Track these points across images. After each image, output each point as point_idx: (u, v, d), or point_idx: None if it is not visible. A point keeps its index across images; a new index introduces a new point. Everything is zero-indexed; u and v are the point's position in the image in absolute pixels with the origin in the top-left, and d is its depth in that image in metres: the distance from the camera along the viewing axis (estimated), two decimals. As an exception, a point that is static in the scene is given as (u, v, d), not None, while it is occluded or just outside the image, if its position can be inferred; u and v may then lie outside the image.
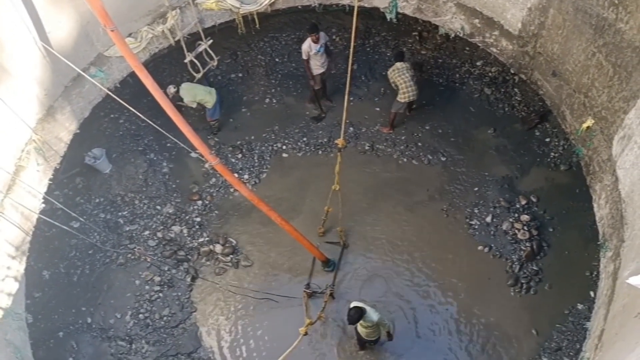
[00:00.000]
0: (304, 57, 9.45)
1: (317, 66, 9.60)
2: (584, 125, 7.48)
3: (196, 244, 8.94)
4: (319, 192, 9.11)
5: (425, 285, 8.57)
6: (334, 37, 11.06)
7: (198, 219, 9.20)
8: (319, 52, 9.37)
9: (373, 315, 6.74)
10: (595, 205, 7.57)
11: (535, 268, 8.47)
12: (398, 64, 9.36)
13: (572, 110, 7.95)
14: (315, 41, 9.20)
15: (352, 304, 6.78)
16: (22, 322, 6.84)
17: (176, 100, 9.33)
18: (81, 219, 7.68)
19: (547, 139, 9.59)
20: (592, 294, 8.01)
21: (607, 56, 6.85)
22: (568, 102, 8.01)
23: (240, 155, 9.84)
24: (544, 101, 8.95)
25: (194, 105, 9.62)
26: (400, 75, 9.28)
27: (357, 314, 6.55)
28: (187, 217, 9.20)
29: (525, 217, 8.81)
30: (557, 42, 7.79)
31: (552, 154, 9.44)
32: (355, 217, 9.12)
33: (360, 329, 7.08)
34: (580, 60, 7.41)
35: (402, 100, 9.42)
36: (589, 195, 8.10)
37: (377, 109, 10.34)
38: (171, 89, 9.36)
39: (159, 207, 9.25)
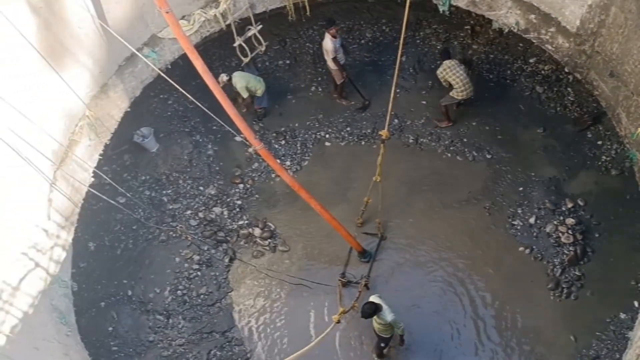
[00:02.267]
0: (332, 55, 9.41)
1: (341, 59, 9.69)
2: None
3: (236, 226, 9.10)
4: (360, 183, 9.10)
5: (461, 283, 8.45)
6: (383, 27, 10.97)
7: (239, 202, 9.34)
8: (339, 45, 9.46)
9: (388, 314, 6.72)
10: (646, 212, 7.29)
11: (577, 273, 8.23)
12: (447, 62, 9.15)
13: (629, 113, 7.64)
14: (335, 35, 9.25)
15: (371, 299, 6.78)
16: (68, 289, 7.14)
17: (228, 90, 9.45)
18: (128, 194, 7.93)
19: (599, 142, 9.25)
20: (636, 303, 7.74)
21: (670, 58, 6.55)
22: (625, 104, 7.70)
23: (283, 142, 9.92)
24: (598, 102, 8.64)
25: (246, 95, 9.71)
26: (454, 72, 9.06)
27: (371, 309, 6.55)
28: (228, 200, 9.36)
29: (570, 221, 8.54)
30: (617, 41, 7.48)
31: (604, 157, 9.10)
32: (395, 210, 9.06)
33: (374, 323, 7.06)
34: (641, 61, 7.12)
35: (459, 97, 9.25)
36: (639, 203, 7.77)
37: (424, 102, 10.21)
38: (224, 78, 9.49)
39: (201, 188, 9.44)
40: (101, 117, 7.82)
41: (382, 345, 7.51)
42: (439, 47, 10.66)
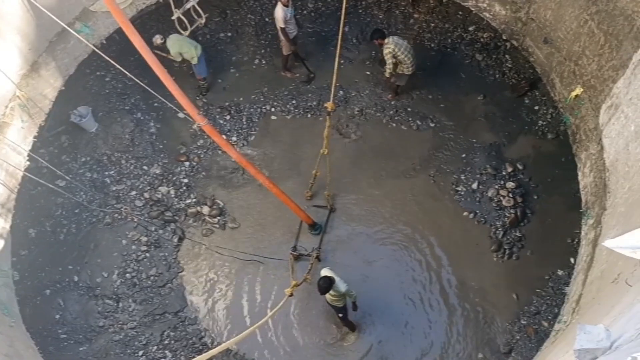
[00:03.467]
0: (282, 25, 9.16)
1: (292, 30, 9.45)
2: (573, 94, 7.52)
3: (183, 205, 8.95)
4: (308, 156, 9.11)
5: (409, 250, 8.69)
6: (326, -3, 10.85)
7: (185, 180, 9.18)
8: (292, 15, 9.22)
9: (341, 285, 6.87)
10: (579, 173, 7.68)
11: (518, 234, 8.61)
12: (392, 39, 8.89)
13: (562, 79, 7.96)
14: (286, 4, 8.98)
15: (322, 273, 6.88)
16: (8, 279, 6.88)
17: (161, 51, 9.14)
18: (67, 177, 7.63)
19: (536, 107, 9.59)
20: (572, 260, 8.19)
21: (599, 24, 6.82)
22: (558, 70, 8.01)
23: (228, 117, 9.75)
24: (534, 69, 8.95)
25: (179, 59, 9.41)
26: (403, 49, 8.87)
27: (327, 284, 6.66)
28: (174, 178, 9.17)
29: (510, 185, 8.89)
30: (550, 8, 7.73)
31: (540, 122, 9.45)
32: (343, 181, 9.15)
33: (327, 295, 7.19)
34: (573, 28, 7.38)
35: (409, 72, 9.22)
36: (574, 164, 8.17)
37: (368, 72, 10.24)
38: (158, 39, 9.17)
39: (145, 168, 9.20)
40: (33, 97, 7.46)
41: (341, 315, 7.66)
42: (380, 17, 10.67)
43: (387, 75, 9.30)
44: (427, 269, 8.55)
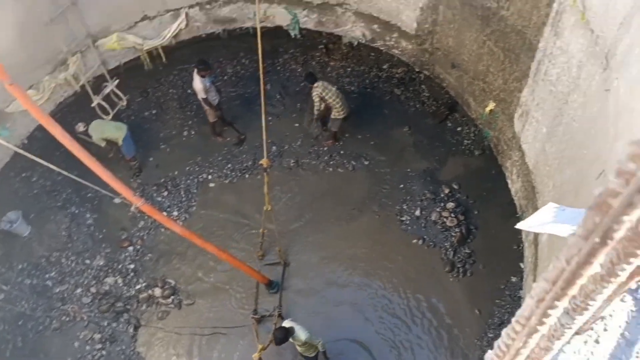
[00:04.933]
0: (203, 95, 9.26)
1: (214, 97, 9.60)
2: (487, 109, 7.98)
3: (134, 292, 8.66)
4: (252, 215, 9.12)
5: (369, 287, 8.73)
6: (242, 60, 11.15)
7: (132, 266, 8.92)
8: (210, 84, 9.37)
9: (302, 334, 6.75)
10: (509, 181, 8.06)
11: (467, 251, 8.85)
12: (320, 84, 9.28)
13: (475, 97, 8.45)
14: (204, 75, 9.07)
15: (284, 324, 6.79)
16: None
17: (86, 138, 9.01)
18: (4, 287, 7.24)
19: (459, 128, 10.08)
20: (521, 265, 8.48)
21: (496, 42, 7.36)
22: (470, 90, 8.51)
23: (166, 193, 9.66)
24: (449, 93, 9.46)
25: (103, 144, 9.31)
26: (331, 93, 9.23)
27: (282, 334, 6.53)
28: (119, 266, 8.90)
29: (450, 205, 9.20)
30: (450, 36, 8.28)
31: (465, 141, 9.93)
32: (292, 233, 9.17)
33: (296, 347, 7.06)
34: (474, 50, 7.91)
35: (342, 116, 9.50)
36: (503, 175, 8.57)
37: (296, 124, 10.49)
38: (80, 127, 9.08)
39: (88, 261, 8.89)
40: (-44, 211, 7.13)
41: None
42: (299, 70, 11.05)
43: (315, 117, 9.61)
44: (389, 301, 8.59)
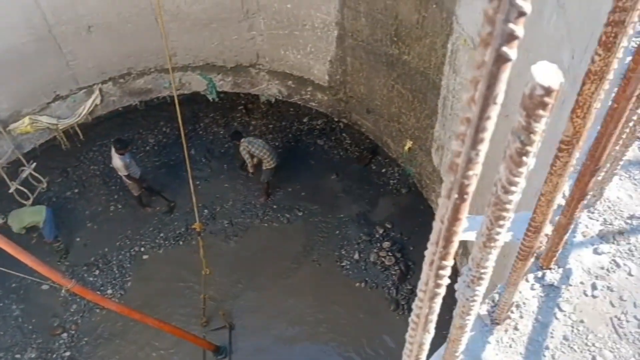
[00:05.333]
0: (124, 172, 9.19)
1: (136, 171, 9.57)
2: (405, 148, 8.43)
3: (72, 381, 8.14)
4: (191, 283, 8.92)
5: (320, 337, 8.67)
6: (163, 129, 11.19)
7: (68, 354, 8.40)
8: (130, 159, 9.35)
9: None
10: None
11: (409, 287, 9.05)
12: (245, 140, 9.55)
13: (393, 138, 8.92)
14: (122, 153, 9.03)
15: None
16: None
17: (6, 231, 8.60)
18: None
19: (383, 170, 10.51)
20: (462, 292, 8.74)
21: (403, 85, 7.90)
22: (387, 132, 8.98)
23: (97, 272, 9.30)
24: (369, 138, 9.91)
25: (23, 232, 8.93)
26: (257, 146, 9.49)
27: None
28: (54, 356, 8.36)
29: (386, 244, 9.45)
30: (362, 83, 8.79)
31: (391, 181, 10.34)
32: (234, 295, 9.04)
33: None
34: (385, 94, 8.43)
35: (272, 167, 9.69)
36: (430, 207, 8.96)
37: (226, 185, 10.54)
38: None
39: (18, 356, 8.30)
40: None
41: None
42: (222, 132, 11.21)
43: (250, 170, 9.83)
44: (342, 347, 8.55)
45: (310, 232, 9.81)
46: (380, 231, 9.62)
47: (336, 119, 10.53)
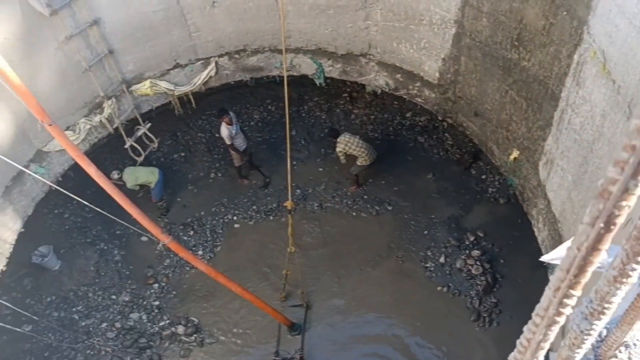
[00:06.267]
0: (228, 142, 9.67)
1: (241, 143, 9.94)
2: (511, 157, 8.05)
3: (157, 329, 8.72)
4: (276, 257, 9.20)
5: (391, 333, 8.63)
6: (269, 107, 11.52)
7: (156, 303, 9.02)
8: (238, 130, 9.73)
9: None
10: (535, 229, 8.01)
11: (494, 300, 8.74)
12: (342, 138, 9.59)
13: (499, 145, 8.55)
14: (230, 123, 9.52)
15: None
16: None
17: (120, 184, 9.34)
18: (35, 317, 7.41)
19: (483, 176, 10.16)
20: (549, 315, 8.29)
21: (518, 92, 7.52)
22: (493, 138, 8.62)
23: (192, 232, 9.84)
24: (473, 141, 9.57)
25: (137, 189, 9.64)
26: (354, 145, 9.52)
27: None
28: (144, 303, 9.00)
29: (476, 252, 9.15)
30: (473, 85, 8.48)
31: (490, 189, 9.97)
32: (315, 276, 9.21)
33: None
34: (497, 99, 8.08)
35: (367, 164, 9.71)
36: (529, 224, 8.54)
37: (320, 169, 10.69)
38: (114, 175, 9.41)
39: (114, 297, 9.03)
40: (-8, 243, 7.40)
41: None
42: (323, 117, 11.35)
43: (342, 162, 9.88)
44: (412, 350, 8.45)
45: (397, 228, 9.73)
46: (471, 238, 9.34)
47: (440, 118, 10.26)
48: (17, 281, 8.88)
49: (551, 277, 1.04)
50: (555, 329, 1.12)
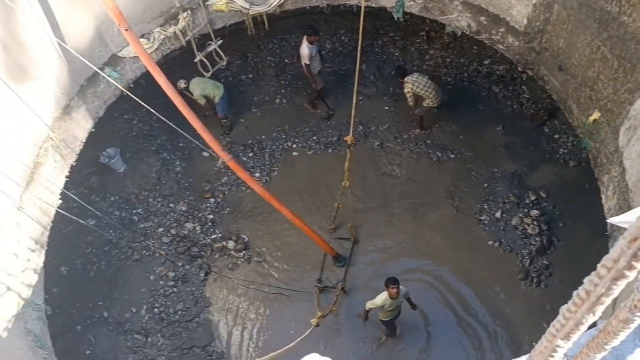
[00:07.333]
0: (307, 61, 9.53)
1: (316, 66, 9.79)
2: (591, 119, 7.55)
3: (209, 241, 9.10)
4: (330, 189, 9.25)
5: (436, 279, 8.64)
6: (342, 37, 11.22)
7: (211, 217, 9.36)
8: (316, 52, 9.57)
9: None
10: (603, 197, 7.61)
11: (545, 262, 8.51)
12: (410, 78, 9.25)
13: (579, 104, 8.01)
14: (312, 42, 9.38)
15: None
16: (42, 312, 7.01)
17: (185, 95, 9.51)
18: (98, 213, 7.88)
19: (556, 136, 9.64)
20: (601, 286, 8.02)
21: (611, 49, 6.92)
22: (575, 96, 8.07)
23: (251, 154, 10.00)
24: (551, 97, 9.01)
25: (203, 101, 9.78)
26: (422, 85, 9.19)
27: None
28: (200, 215, 9.36)
29: (534, 212, 8.85)
30: (562, 37, 7.87)
31: (561, 150, 9.48)
32: (366, 213, 9.23)
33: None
34: (586, 54, 7.49)
35: (433, 105, 9.42)
36: (597, 190, 8.11)
37: (386, 107, 10.45)
38: (181, 84, 9.58)
39: (172, 205, 9.43)
40: (65, 138, 7.77)
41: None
42: (397, 54, 10.96)
43: (410, 104, 9.57)
44: (455, 298, 8.46)
45: (457, 177, 9.50)
46: (532, 197, 9.00)
47: (520, 69, 9.67)
48: (84, 177, 9.39)
49: (629, 226, 0.93)
50: (622, 284, 1.02)
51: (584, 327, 1.19)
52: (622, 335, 1.36)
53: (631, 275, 0.98)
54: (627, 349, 1.98)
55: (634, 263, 0.93)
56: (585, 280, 1.11)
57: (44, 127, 7.21)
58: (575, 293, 1.17)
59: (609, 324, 1.39)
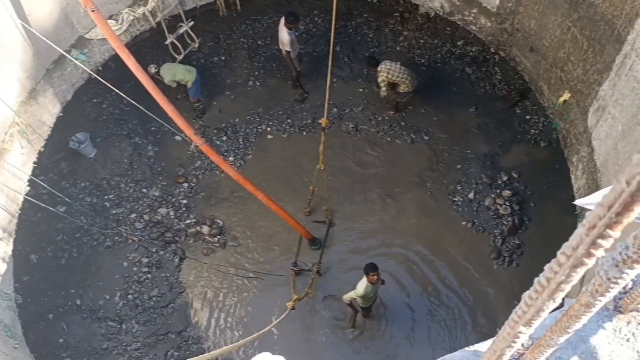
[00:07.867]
0: (289, 48, 9.33)
1: (295, 50, 9.66)
2: (561, 99, 7.67)
3: (183, 226, 9.02)
4: (304, 172, 9.23)
5: (410, 261, 8.74)
6: (315, 19, 11.09)
7: (184, 201, 9.26)
8: (295, 37, 9.44)
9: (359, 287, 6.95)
10: (572, 177, 7.78)
11: (517, 242, 8.68)
12: (383, 66, 9.09)
13: (550, 85, 8.12)
14: (291, 28, 9.22)
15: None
16: (12, 302, 6.92)
17: (156, 79, 9.33)
18: (68, 199, 7.72)
19: (528, 117, 9.75)
20: (571, 264, 8.22)
21: (581, 30, 7.01)
22: (545, 77, 8.18)
23: (225, 138, 9.89)
24: (523, 78, 9.12)
25: (174, 85, 9.60)
26: (396, 73, 9.06)
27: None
28: (173, 200, 9.26)
29: (507, 193, 8.98)
30: (533, 17, 7.93)
31: (533, 130, 9.60)
32: (341, 196, 9.24)
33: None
34: (556, 35, 7.57)
35: (409, 90, 9.34)
36: (567, 170, 8.27)
37: (360, 89, 10.42)
38: (152, 69, 9.37)
39: (144, 190, 9.29)
40: (32, 123, 7.59)
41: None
42: (371, 35, 10.89)
43: (382, 95, 9.46)
44: (429, 279, 8.59)
45: (430, 158, 9.56)
46: (504, 178, 9.13)
47: (493, 50, 9.74)
48: (54, 163, 9.16)
49: (587, 214, 0.93)
50: (581, 271, 1.03)
51: (545, 314, 1.21)
52: (585, 319, 1.38)
53: (590, 262, 0.98)
54: (590, 331, 2.03)
55: (592, 251, 0.94)
56: (546, 267, 1.12)
57: (9, 112, 7.02)
58: (536, 280, 1.18)
59: (571, 308, 1.41)
